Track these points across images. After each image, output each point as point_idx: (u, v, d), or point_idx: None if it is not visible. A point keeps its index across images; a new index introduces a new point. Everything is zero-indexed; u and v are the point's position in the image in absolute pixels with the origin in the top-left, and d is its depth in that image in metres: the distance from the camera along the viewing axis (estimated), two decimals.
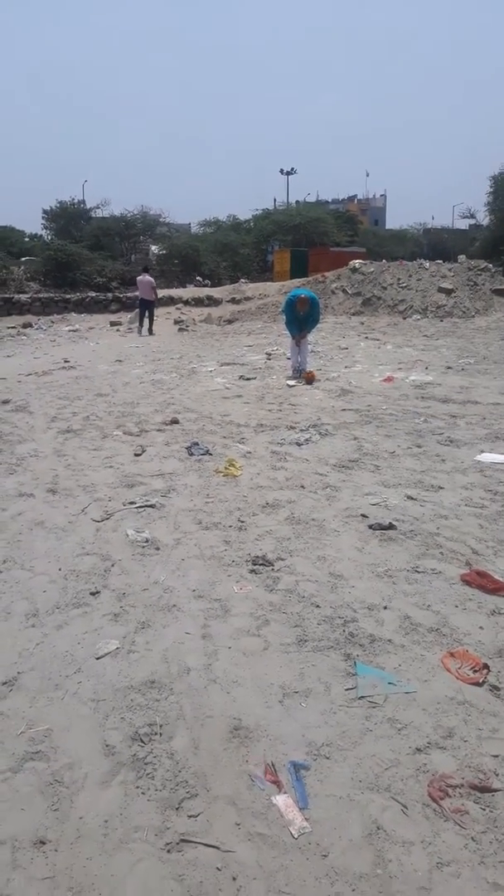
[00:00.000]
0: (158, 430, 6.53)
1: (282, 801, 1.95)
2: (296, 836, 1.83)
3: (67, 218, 39.57)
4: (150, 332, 17.36)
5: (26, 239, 41.54)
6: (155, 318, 17.82)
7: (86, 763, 2.11)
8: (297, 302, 9.57)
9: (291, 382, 9.20)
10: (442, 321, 17.68)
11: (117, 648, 2.76)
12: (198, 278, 29.27)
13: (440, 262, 23.31)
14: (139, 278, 17.64)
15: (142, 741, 2.19)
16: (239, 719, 2.31)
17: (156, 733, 2.24)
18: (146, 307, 17.45)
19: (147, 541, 3.83)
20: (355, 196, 77.66)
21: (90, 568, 3.52)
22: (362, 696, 2.42)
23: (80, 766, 2.10)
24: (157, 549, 3.75)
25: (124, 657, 2.70)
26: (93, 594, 3.23)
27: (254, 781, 2.03)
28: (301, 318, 9.62)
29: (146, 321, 17.44)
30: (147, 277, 17.44)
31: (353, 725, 2.28)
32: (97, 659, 2.68)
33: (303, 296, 9.68)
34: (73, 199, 41.13)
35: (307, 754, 2.14)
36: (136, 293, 18.36)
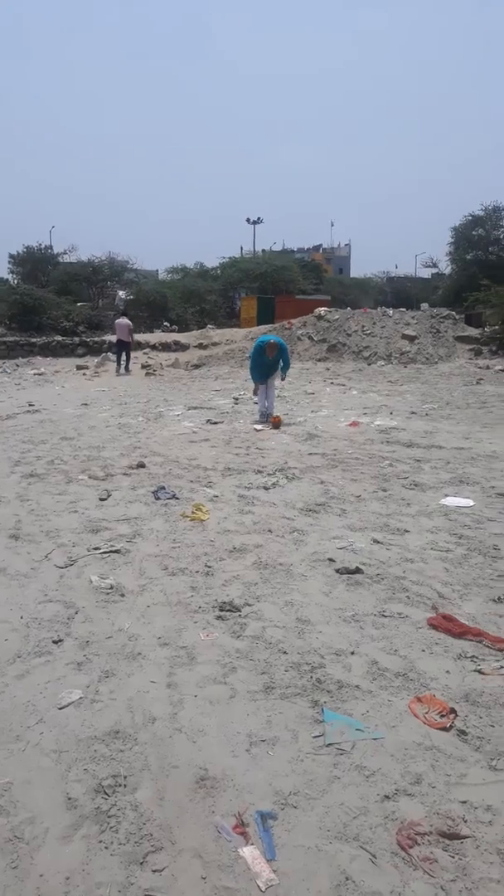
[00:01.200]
0: (124, 474, 6.50)
1: (248, 852, 1.90)
2: (263, 889, 1.79)
3: (34, 262, 39.85)
4: (128, 370, 18.53)
5: None
6: (133, 359, 19.08)
7: (47, 817, 2.04)
8: (266, 347, 9.73)
9: (258, 427, 9.29)
10: (406, 367, 18.11)
11: (80, 698, 2.69)
12: (165, 324, 29.59)
13: (404, 309, 24.04)
14: (117, 321, 18.71)
15: (105, 793, 2.13)
16: (205, 769, 2.26)
17: (120, 785, 2.17)
18: (123, 348, 18.54)
19: (111, 587, 3.78)
20: (320, 245, 79.95)
21: (53, 615, 3.45)
22: (330, 744, 2.40)
23: (41, 821, 2.02)
24: (122, 595, 3.70)
25: (88, 707, 2.63)
26: (55, 642, 3.16)
27: (220, 833, 1.98)
28: (269, 363, 9.77)
29: (123, 361, 18.57)
30: (125, 320, 18.46)
31: (320, 773, 2.25)
32: (60, 709, 2.61)
33: (272, 341, 9.85)
34: (41, 245, 41.50)
35: (274, 803, 2.10)
36: (110, 337, 19.54)
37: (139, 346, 21.88)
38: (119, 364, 18.68)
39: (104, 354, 20.94)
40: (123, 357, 18.59)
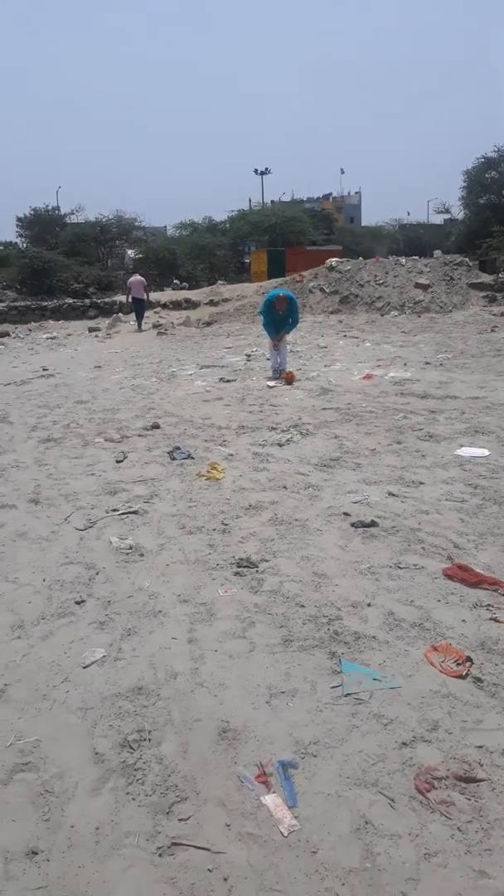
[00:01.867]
0: (140, 436, 6.53)
1: (271, 800, 1.97)
2: (285, 834, 1.86)
3: (42, 225, 39.29)
4: (141, 328, 18.83)
5: (0, 247, 41.29)
6: (145, 318, 19.34)
7: (75, 772, 2.12)
8: (276, 301, 9.61)
9: (271, 383, 9.24)
10: (419, 317, 17.83)
11: (104, 656, 2.76)
12: (175, 281, 29.27)
13: (416, 257, 23.48)
14: (131, 279, 19.03)
15: (131, 748, 2.21)
16: (227, 721, 2.33)
17: (144, 739, 2.25)
18: (139, 305, 18.90)
19: (131, 547, 3.84)
20: (330, 194, 77.99)
21: (74, 577, 3.52)
22: (348, 694, 2.46)
23: (69, 776, 2.11)
24: (142, 555, 3.76)
25: (111, 665, 2.71)
26: (78, 603, 3.24)
27: (243, 782, 2.05)
28: (280, 317, 9.67)
29: (140, 318, 18.96)
30: (138, 277, 18.98)
31: (339, 723, 2.31)
32: (84, 668, 2.69)
33: (281, 294, 9.73)
34: (48, 206, 40.84)
35: (295, 753, 2.16)
36: (120, 297, 19.92)
37: (150, 305, 21.71)
38: (139, 321, 19.03)
39: (115, 315, 20.84)
40: (142, 314, 19.02)
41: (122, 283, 28.76)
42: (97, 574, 3.55)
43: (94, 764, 2.15)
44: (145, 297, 19.11)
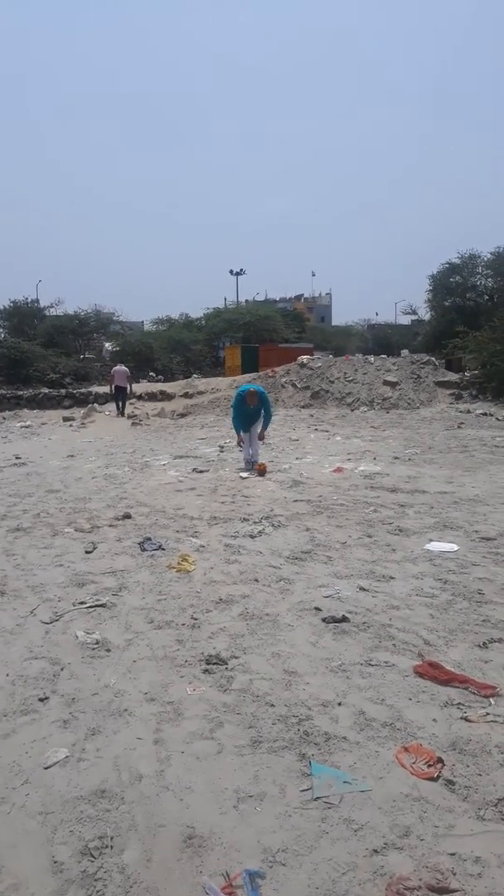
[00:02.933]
0: (110, 526, 6.50)
1: None
2: None
3: (21, 316, 40.31)
4: (124, 414, 19.71)
5: None
6: (129, 402, 20.37)
7: (32, 882, 2.01)
8: (247, 396, 9.87)
9: (244, 474, 9.34)
10: (388, 413, 18.37)
11: (66, 757, 2.66)
12: (151, 374, 29.92)
13: (385, 356, 24.48)
14: (115, 369, 20.30)
15: (92, 855, 2.11)
16: (192, 827, 2.24)
17: (106, 846, 2.15)
18: (121, 393, 19.89)
19: (97, 642, 3.76)
20: (302, 295, 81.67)
21: (38, 672, 3.43)
22: (318, 797, 2.39)
23: (26, 887, 1.99)
24: (108, 650, 3.68)
25: (74, 765, 2.61)
26: (41, 700, 3.14)
27: (208, 894, 1.96)
28: (251, 411, 9.89)
29: (121, 405, 19.92)
30: (122, 367, 20.28)
31: (308, 828, 2.24)
32: (45, 769, 2.59)
33: (252, 390, 10.00)
34: (27, 299, 42.06)
35: (263, 861, 2.08)
36: (96, 388, 20.80)
37: (131, 394, 22.10)
38: (118, 409, 19.89)
39: (90, 405, 21.07)
40: (122, 402, 19.90)
41: (99, 375, 29.40)
42: (62, 670, 3.46)
43: (52, 874, 2.04)
44: (128, 386, 20.05)
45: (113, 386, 19.94)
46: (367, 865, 2.07)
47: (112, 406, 20.68)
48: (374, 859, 2.09)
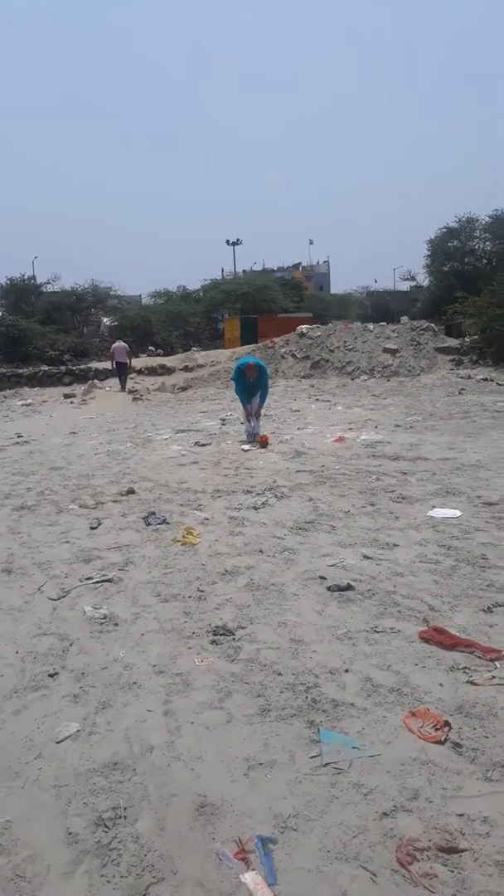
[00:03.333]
0: (114, 502, 6.52)
1: (250, 878, 1.92)
2: None
3: (18, 294, 39.94)
4: (125, 389, 19.95)
5: None
6: (129, 377, 20.48)
7: (48, 854, 2.05)
8: (246, 369, 9.82)
9: (246, 447, 9.34)
10: (388, 381, 18.28)
11: (78, 731, 2.70)
12: (150, 348, 29.78)
13: (384, 323, 24.26)
14: (115, 345, 20.48)
15: (106, 826, 2.14)
16: (204, 796, 2.27)
17: (120, 817, 2.19)
18: (122, 368, 20.08)
19: (105, 617, 3.79)
20: (299, 264, 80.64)
21: (48, 648, 3.46)
22: (327, 763, 2.42)
23: (42, 858, 2.03)
24: (116, 625, 3.71)
25: (85, 739, 2.64)
26: (51, 676, 3.17)
27: (221, 860, 1.99)
28: (250, 384, 9.85)
29: (123, 380, 20.16)
30: (122, 343, 20.53)
31: (318, 794, 2.27)
32: (57, 743, 2.62)
33: (251, 363, 9.95)
34: (23, 276, 41.63)
35: (274, 827, 2.12)
36: (96, 364, 22.04)
37: (131, 369, 22.03)
38: (121, 384, 20.15)
39: (91, 381, 21.01)
40: (124, 377, 20.19)
41: (98, 351, 29.28)
42: (71, 645, 3.49)
43: (67, 845, 2.08)
44: (128, 361, 20.23)
45: (114, 362, 20.09)
46: (377, 828, 2.10)
47: (113, 381, 20.66)
48: (384, 822, 2.13)
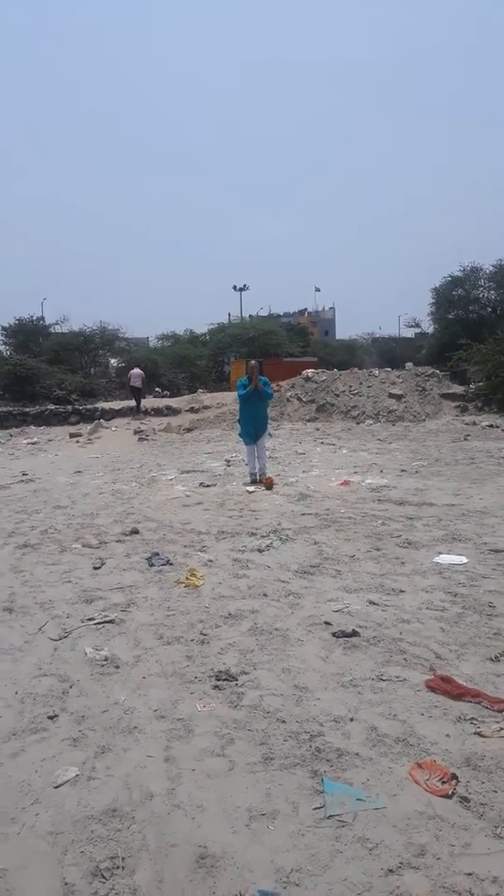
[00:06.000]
0: (118, 541, 6.50)
1: None
2: None
3: (26, 334, 40.49)
4: (139, 410, 21.87)
5: None
6: (126, 425, 21.09)
7: None
8: (248, 369, 9.98)
9: (251, 488, 9.33)
10: (394, 425, 18.34)
11: (76, 775, 2.64)
12: (157, 389, 29.99)
13: (389, 369, 24.46)
14: (132, 371, 22.81)
15: (103, 877, 2.08)
16: (204, 847, 2.21)
17: (118, 867, 2.12)
18: (136, 393, 22.12)
19: (106, 659, 3.75)
20: (305, 309, 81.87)
21: (48, 690, 3.41)
22: (331, 815, 2.36)
23: None
24: (117, 667, 3.66)
25: (84, 784, 2.59)
26: (50, 718, 3.12)
27: None
28: (257, 400, 9.90)
29: (137, 404, 22.07)
30: (138, 370, 22.84)
31: (322, 847, 2.20)
32: (55, 788, 2.56)
33: (252, 361, 10.11)
34: (32, 316, 42.29)
35: (276, 882, 2.05)
36: (102, 404, 23.28)
37: (131, 411, 22.19)
38: (137, 406, 22.09)
39: (97, 421, 21.13)
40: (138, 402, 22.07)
41: (105, 391, 29.57)
42: (71, 687, 3.44)
43: None
44: (141, 386, 22.24)
45: (129, 387, 22.15)
46: (383, 886, 2.03)
47: (118, 421, 20.89)
48: (390, 879, 2.06)
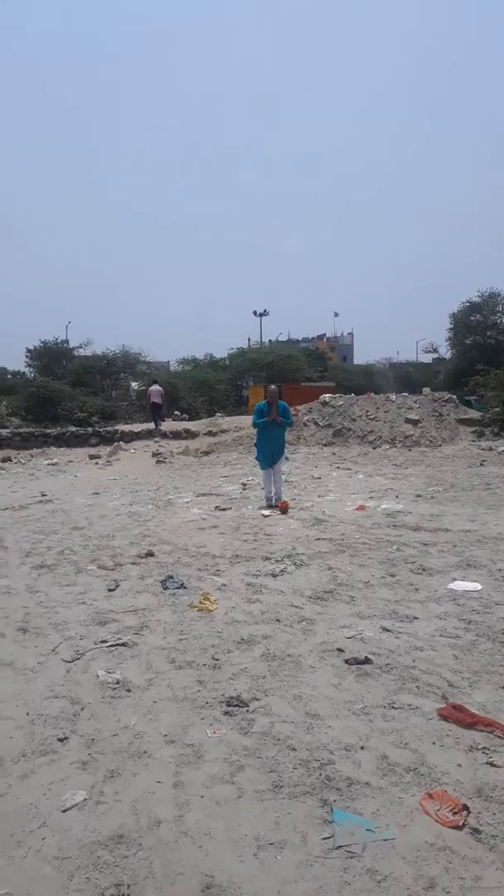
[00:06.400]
0: (133, 564, 6.52)
1: None
2: None
3: (50, 356, 41.04)
4: (159, 426, 22.68)
5: (8, 376, 42.90)
6: (144, 447, 21.47)
7: None
8: (267, 393, 10.04)
9: (266, 512, 9.33)
10: (410, 450, 18.26)
11: (85, 799, 2.64)
12: (176, 413, 30.20)
13: (406, 394, 24.43)
14: (151, 388, 23.76)
15: None
16: (211, 876, 2.20)
17: (123, 895, 2.11)
18: (157, 410, 22.99)
19: (118, 682, 3.75)
20: (324, 335, 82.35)
21: (59, 712, 3.42)
22: (340, 846, 2.33)
23: None
24: (129, 690, 3.67)
25: (92, 809, 2.58)
26: (61, 740, 3.12)
27: None
28: (273, 430, 9.92)
29: (157, 420, 23.09)
30: (157, 387, 23.74)
31: (330, 879, 2.18)
32: (63, 811, 2.56)
33: (272, 387, 10.13)
34: (57, 339, 42.91)
35: None
36: (122, 426, 24.04)
37: (149, 434, 22.34)
38: (157, 423, 22.96)
39: (116, 443, 21.29)
40: (158, 417, 22.98)
41: (126, 414, 29.88)
42: (82, 709, 3.45)
43: None
44: (162, 403, 23.11)
45: (150, 404, 22.87)
46: None
47: (137, 444, 21.05)
48: None
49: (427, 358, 51.10)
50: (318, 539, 7.49)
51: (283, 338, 60.79)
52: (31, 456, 20.18)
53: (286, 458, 10.52)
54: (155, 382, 24.83)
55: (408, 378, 50.42)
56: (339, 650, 4.16)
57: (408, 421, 20.00)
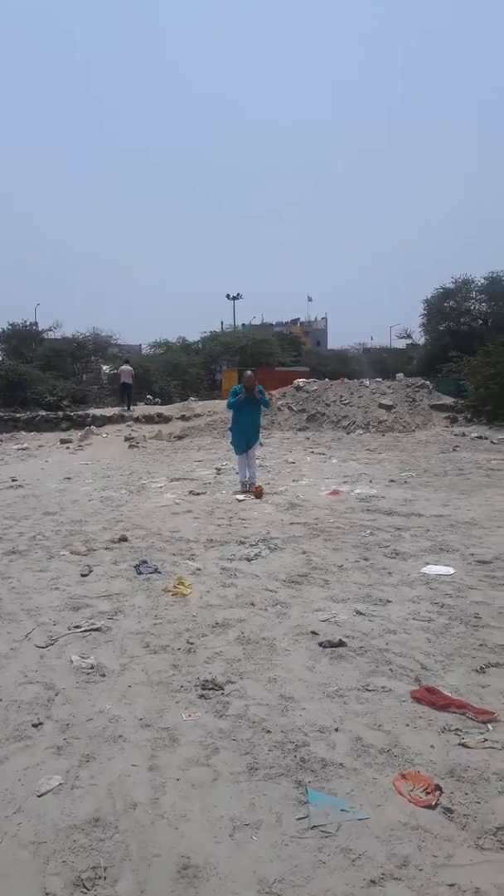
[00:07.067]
0: (106, 549, 6.48)
1: None
2: None
3: (19, 339, 40.36)
4: (130, 409, 22.87)
5: None
6: (117, 431, 21.25)
7: None
8: (244, 379, 9.96)
9: (240, 497, 9.34)
10: (384, 435, 18.40)
11: (60, 784, 2.63)
12: (148, 396, 29.96)
13: (380, 379, 24.60)
14: (122, 368, 23.67)
15: (84, 887, 2.07)
16: (188, 857, 2.21)
17: (99, 877, 2.11)
18: (127, 390, 23.20)
19: (92, 667, 3.73)
20: (298, 319, 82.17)
21: (33, 698, 3.39)
22: (314, 826, 2.36)
23: None
24: (103, 675, 3.65)
25: (67, 793, 2.57)
26: (35, 726, 3.10)
27: None
28: (249, 407, 9.91)
29: (127, 400, 23.33)
30: (128, 367, 23.61)
31: (305, 858, 2.20)
32: (39, 796, 2.55)
33: (248, 372, 10.11)
34: (25, 322, 42.18)
35: (259, 892, 2.05)
36: (93, 410, 23.74)
37: (122, 418, 22.16)
38: (127, 404, 23.20)
39: (88, 428, 21.09)
40: (128, 398, 23.25)
41: (97, 398, 29.57)
42: (56, 695, 3.43)
43: None
44: (133, 383, 23.34)
45: (120, 383, 23.07)
46: None
47: (109, 428, 20.87)
48: (372, 890, 2.06)
49: (401, 343, 51.46)
50: (292, 523, 7.52)
51: (257, 322, 60.60)
52: (1, 441, 19.91)
53: (260, 444, 10.53)
54: (126, 362, 24.78)
55: (382, 363, 50.67)
56: (314, 633, 4.19)
57: (381, 406, 20.14)
